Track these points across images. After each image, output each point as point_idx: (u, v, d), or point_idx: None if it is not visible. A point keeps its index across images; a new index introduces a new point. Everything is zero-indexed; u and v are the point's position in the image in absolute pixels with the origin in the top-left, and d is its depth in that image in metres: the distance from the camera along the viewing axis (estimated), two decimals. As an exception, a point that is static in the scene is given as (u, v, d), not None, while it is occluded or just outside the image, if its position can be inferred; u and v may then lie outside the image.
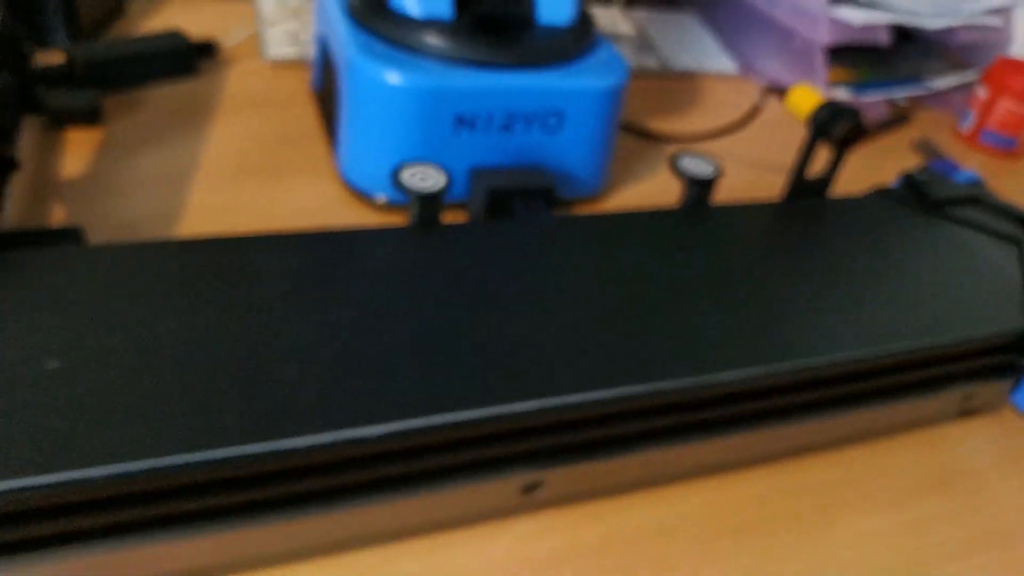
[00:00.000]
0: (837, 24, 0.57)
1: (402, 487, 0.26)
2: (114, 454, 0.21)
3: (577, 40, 0.42)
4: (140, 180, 0.41)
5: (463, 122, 0.39)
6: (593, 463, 0.29)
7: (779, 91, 0.62)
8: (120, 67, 0.48)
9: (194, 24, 0.55)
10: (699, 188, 0.38)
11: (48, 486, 0.21)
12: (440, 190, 0.33)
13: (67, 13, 0.50)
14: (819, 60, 0.59)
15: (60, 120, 0.44)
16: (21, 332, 0.25)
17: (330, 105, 0.45)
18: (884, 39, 0.59)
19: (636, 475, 0.31)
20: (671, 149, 0.53)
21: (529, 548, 0.28)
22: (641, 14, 0.70)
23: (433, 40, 0.39)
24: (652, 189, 0.49)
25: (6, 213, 0.36)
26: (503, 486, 0.28)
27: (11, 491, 0.20)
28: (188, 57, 0.50)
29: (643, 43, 0.66)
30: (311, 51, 0.54)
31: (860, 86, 0.62)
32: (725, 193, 0.50)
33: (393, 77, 0.38)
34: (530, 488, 0.28)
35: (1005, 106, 0.62)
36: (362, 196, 0.43)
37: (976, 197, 0.42)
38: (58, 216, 0.38)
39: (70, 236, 0.32)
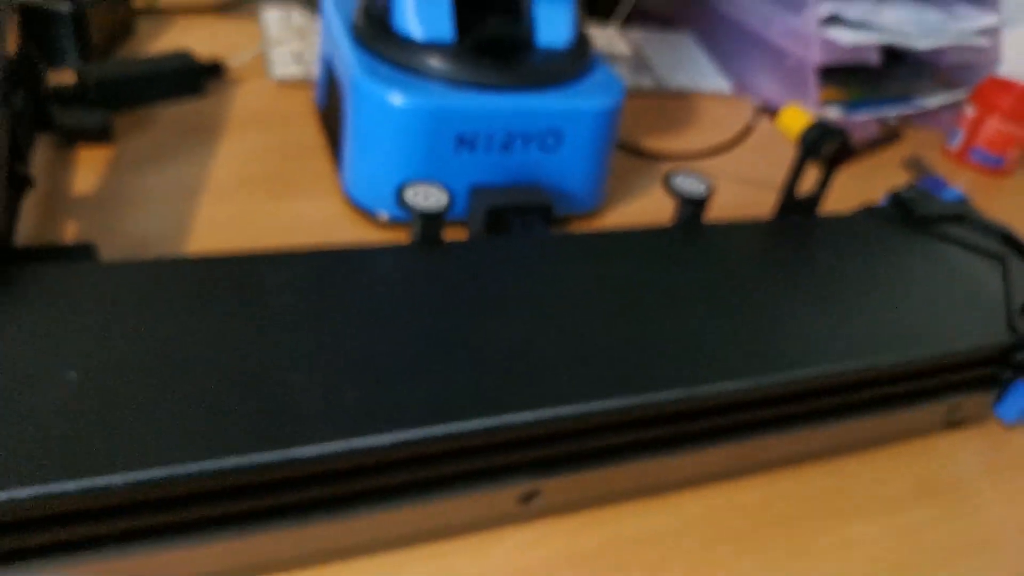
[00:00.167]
0: (828, 45, 0.59)
1: (403, 496, 0.27)
2: (132, 462, 0.22)
3: (575, 62, 0.44)
4: (150, 196, 0.43)
5: (464, 142, 0.41)
6: (590, 472, 0.30)
7: (771, 111, 0.64)
8: (130, 86, 0.49)
9: (201, 43, 0.57)
10: (692, 206, 0.39)
11: (67, 493, 0.22)
12: (442, 209, 0.34)
13: (78, 34, 0.51)
14: (811, 80, 0.61)
15: (72, 138, 0.45)
16: (41, 345, 0.26)
17: (334, 123, 0.46)
18: (875, 59, 0.61)
19: (632, 484, 0.31)
20: (666, 167, 0.55)
21: (527, 556, 0.29)
22: (638, 34, 0.72)
23: (435, 62, 0.40)
24: (647, 206, 0.50)
25: (20, 229, 0.37)
26: (501, 495, 0.29)
27: (32, 497, 0.21)
28: (196, 77, 0.52)
29: (639, 62, 0.67)
30: (315, 70, 0.55)
31: (852, 105, 0.63)
32: (718, 209, 0.51)
33: (396, 98, 0.39)
34: (528, 497, 0.29)
35: (993, 125, 0.63)
36: (365, 213, 0.44)
37: (961, 214, 0.43)
38: (70, 231, 0.39)
39: (83, 252, 0.33)
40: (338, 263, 0.32)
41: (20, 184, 0.36)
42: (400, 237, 0.43)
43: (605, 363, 0.29)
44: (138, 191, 0.43)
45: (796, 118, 0.43)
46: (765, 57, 0.65)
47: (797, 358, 0.32)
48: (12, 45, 0.39)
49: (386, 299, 0.30)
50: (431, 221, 0.34)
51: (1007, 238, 0.42)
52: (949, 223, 0.43)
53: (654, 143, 0.57)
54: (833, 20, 0.60)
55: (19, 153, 0.37)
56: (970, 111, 0.64)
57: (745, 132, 0.55)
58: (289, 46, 0.58)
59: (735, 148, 0.57)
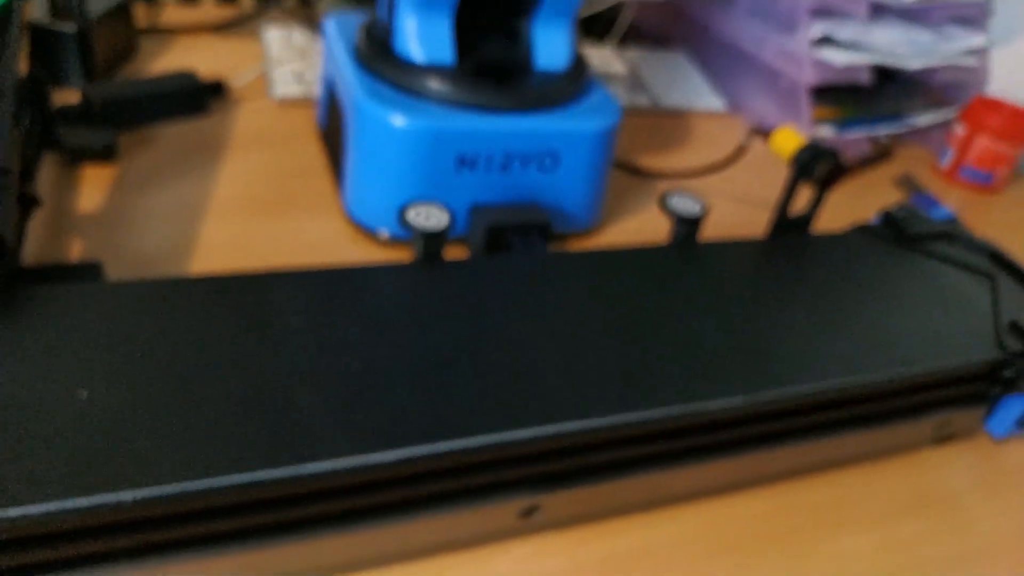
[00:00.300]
0: (821, 65, 0.60)
1: (407, 511, 0.28)
2: (143, 479, 0.23)
3: (572, 84, 0.44)
4: (154, 215, 0.43)
5: (464, 162, 0.41)
6: (589, 487, 0.30)
7: (764, 132, 0.65)
8: (134, 106, 0.50)
9: (203, 63, 0.58)
10: (687, 225, 0.40)
11: (80, 509, 0.22)
12: (443, 228, 0.35)
13: (83, 54, 0.52)
14: (804, 99, 0.62)
15: (77, 157, 0.46)
16: (52, 364, 0.26)
17: (335, 143, 0.47)
18: (866, 79, 0.62)
19: (630, 498, 0.32)
20: (662, 185, 0.56)
21: (528, 569, 0.30)
22: (633, 54, 0.73)
23: (436, 85, 0.41)
24: (644, 223, 0.51)
25: (27, 247, 0.38)
26: (503, 510, 0.29)
27: (47, 513, 0.22)
28: (199, 96, 0.52)
29: (635, 82, 0.68)
30: (316, 90, 0.56)
31: (844, 124, 0.64)
32: (713, 227, 0.52)
33: (398, 120, 0.40)
34: (528, 512, 0.30)
35: (983, 143, 0.64)
36: (366, 231, 0.44)
37: (950, 233, 0.44)
38: (76, 250, 0.40)
39: (90, 271, 0.34)
40: (342, 281, 0.33)
41: (27, 203, 0.37)
42: (400, 254, 0.44)
43: (603, 380, 0.30)
44: (142, 210, 0.43)
45: (789, 139, 0.43)
46: (759, 77, 0.66)
47: (791, 375, 0.32)
48: (21, 65, 0.40)
49: (389, 317, 0.31)
50: (433, 240, 0.35)
51: (995, 256, 0.43)
52: (939, 241, 0.44)
53: (650, 161, 0.58)
54: (825, 41, 0.61)
55: (27, 172, 0.37)
56: (960, 129, 0.65)
57: (739, 152, 0.56)
58: (290, 66, 0.59)
59: (729, 167, 0.58)
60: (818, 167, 0.42)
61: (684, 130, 0.64)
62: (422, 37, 0.42)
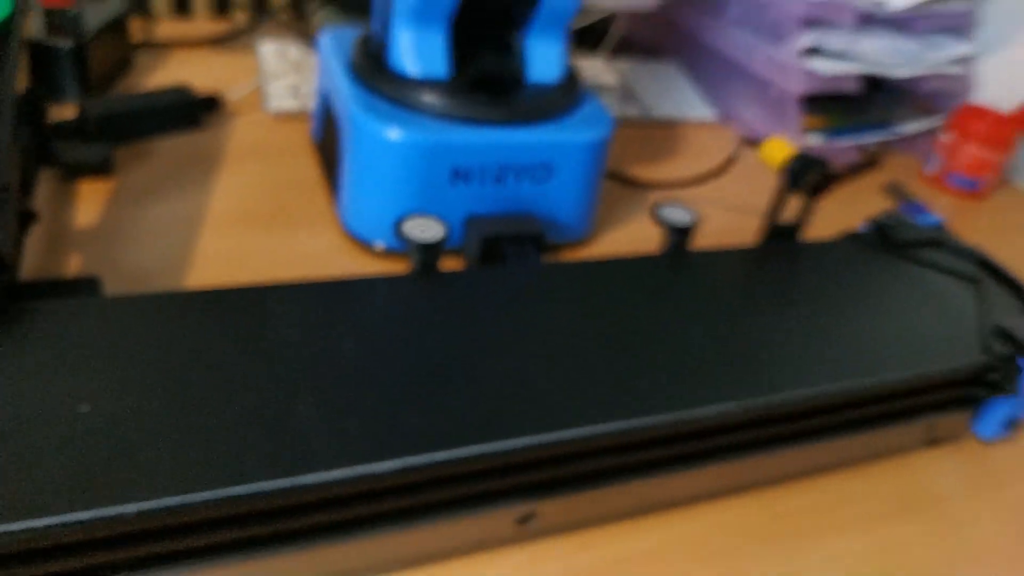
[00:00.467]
0: (809, 75, 0.61)
1: (404, 520, 0.28)
2: (144, 491, 0.23)
3: (565, 96, 0.45)
4: (150, 229, 0.44)
5: (459, 175, 0.42)
6: (584, 494, 0.31)
7: (754, 142, 0.66)
8: (130, 120, 0.50)
9: (198, 77, 0.58)
10: (679, 235, 0.40)
11: (82, 522, 0.22)
12: (439, 240, 0.35)
13: (79, 69, 0.52)
14: (793, 108, 0.63)
15: (74, 172, 0.46)
16: (52, 379, 0.26)
17: (331, 156, 0.47)
18: (854, 88, 0.63)
19: (625, 505, 0.32)
20: (653, 195, 0.56)
21: (525, 575, 0.30)
22: (625, 64, 0.74)
23: (430, 98, 0.42)
24: (636, 233, 0.52)
25: (24, 263, 0.38)
26: (499, 517, 0.30)
27: (49, 527, 0.22)
28: (194, 110, 0.53)
29: (627, 92, 0.69)
30: (311, 103, 0.57)
31: (832, 132, 0.65)
32: (704, 236, 0.52)
33: (393, 133, 0.40)
34: (524, 519, 0.30)
35: (969, 150, 0.65)
36: (361, 243, 0.45)
37: (937, 239, 0.45)
38: (74, 265, 0.40)
39: (87, 286, 0.34)
40: (338, 293, 0.33)
41: (25, 219, 0.37)
42: (396, 266, 0.44)
43: (597, 388, 0.30)
44: (138, 224, 0.44)
45: (779, 149, 0.44)
46: (749, 87, 0.67)
47: (782, 381, 0.33)
48: (19, 81, 0.40)
49: (386, 328, 0.31)
50: (429, 252, 0.35)
51: (981, 261, 0.44)
52: (926, 248, 0.44)
53: (642, 172, 0.59)
54: (814, 51, 0.62)
55: (24, 188, 0.38)
56: (947, 137, 0.66)
57: (730, 162, 0.57)
58: (285, 79, 0.59)
59: (720, 176, 0.59)
60: (808, 176, 0.42)
61: (675, 140, 0.65)
62: (417, 51, 0.42)
